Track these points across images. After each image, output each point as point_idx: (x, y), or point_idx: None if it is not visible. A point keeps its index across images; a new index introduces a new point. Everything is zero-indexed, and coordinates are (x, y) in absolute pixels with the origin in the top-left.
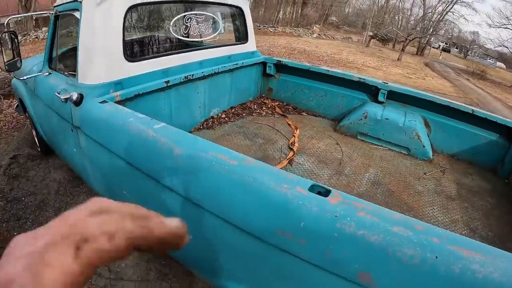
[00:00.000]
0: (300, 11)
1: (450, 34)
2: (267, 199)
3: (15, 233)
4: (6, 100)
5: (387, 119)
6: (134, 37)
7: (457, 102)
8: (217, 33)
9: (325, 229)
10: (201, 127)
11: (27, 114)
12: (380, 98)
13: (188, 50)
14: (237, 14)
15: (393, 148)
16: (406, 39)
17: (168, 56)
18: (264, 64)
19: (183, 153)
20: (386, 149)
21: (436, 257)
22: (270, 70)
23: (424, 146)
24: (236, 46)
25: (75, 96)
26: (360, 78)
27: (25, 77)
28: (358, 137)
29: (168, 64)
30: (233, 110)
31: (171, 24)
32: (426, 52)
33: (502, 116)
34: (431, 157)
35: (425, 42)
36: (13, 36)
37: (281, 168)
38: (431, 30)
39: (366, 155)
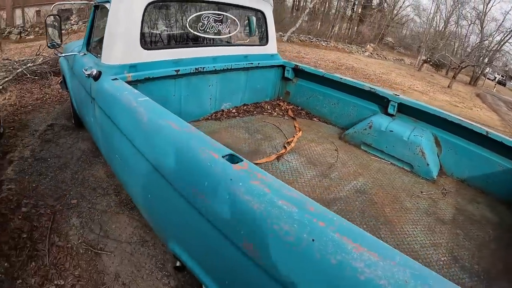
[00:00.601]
0: (355, 28)
1: (507, 67)
2: (190, 160)
3: (34, 184)
4: (55, 78)
5: (392, 131)
6: (152, 28)
7: (470, 122)
8: (234, 32)
9: (221, 190)
10: (209, 117)
11: (69, 90)
12: (390, 110)
13: (203, 45)
14: (259, 17)
15: (396, 163)
16: (459, 66)
17: (181, 49)
18: (284, 67)
19: (148, 119)
20: (388, 163)
21: (313, 240)
22: (288, 74)
23: (428, 164)
24: (255, 47)
25: (94, 72)
26: (371, 88)
27: (64, 54)
28: (362, 148)
29: (181, 56)
30: (245, 107)
31: (188, 20)
32: (480, 83)
33: None
34: (435, 177)
35: (479, 71)
36: (58, 19)
37: (267, 162)
38: (486, 60)
39: (362, 164)
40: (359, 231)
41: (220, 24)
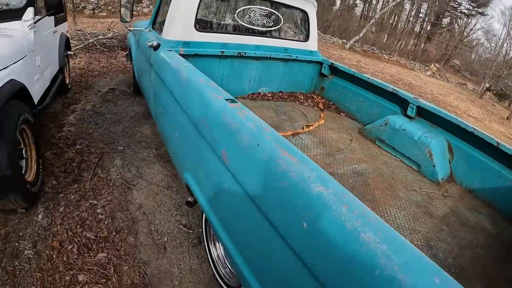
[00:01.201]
0: (422, 45)
1: None
2: (204, 100)
3: (90, 130)
4: (122, 51)
5: (404, 130)
6: (205, 15)
7: (483, 132)
8: (278, 27)
9: (217, 118)
10: (246, 97)
11: (132, 62)
12: (409, 112)
13: (247, 34)
14: (303, 16)
15: (404, 161)
16: None
17: (228, 35)
18: (321, 64)
19: (185, 77)
20: (398, 160)
21: (258, 144)
22: (324, 70)
23: (434, 165)
24: (296, 42)
25: (155, 43)
26: (393, 89)
27: (133, 28)
28: (377, 143)
29: (227, 41)
30: (280, 94)
31: (237, 12)
32: None
33: None
34: (440, 180)
35: None
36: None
37: (283, 135)
38: None
39: (370, 155)
40: (293, 148)
41: (265, 18)
